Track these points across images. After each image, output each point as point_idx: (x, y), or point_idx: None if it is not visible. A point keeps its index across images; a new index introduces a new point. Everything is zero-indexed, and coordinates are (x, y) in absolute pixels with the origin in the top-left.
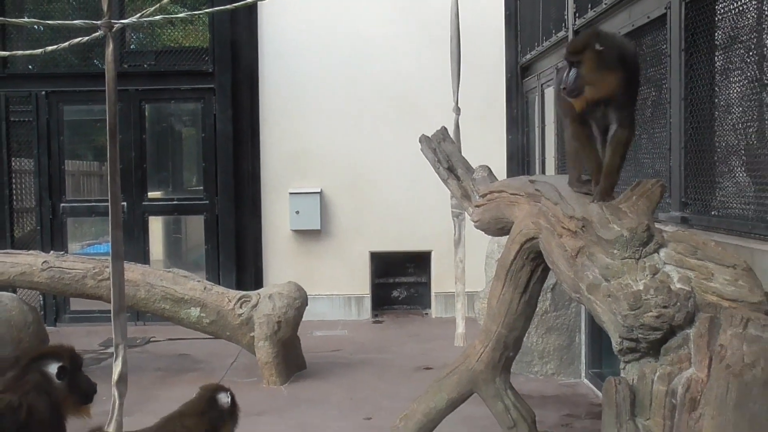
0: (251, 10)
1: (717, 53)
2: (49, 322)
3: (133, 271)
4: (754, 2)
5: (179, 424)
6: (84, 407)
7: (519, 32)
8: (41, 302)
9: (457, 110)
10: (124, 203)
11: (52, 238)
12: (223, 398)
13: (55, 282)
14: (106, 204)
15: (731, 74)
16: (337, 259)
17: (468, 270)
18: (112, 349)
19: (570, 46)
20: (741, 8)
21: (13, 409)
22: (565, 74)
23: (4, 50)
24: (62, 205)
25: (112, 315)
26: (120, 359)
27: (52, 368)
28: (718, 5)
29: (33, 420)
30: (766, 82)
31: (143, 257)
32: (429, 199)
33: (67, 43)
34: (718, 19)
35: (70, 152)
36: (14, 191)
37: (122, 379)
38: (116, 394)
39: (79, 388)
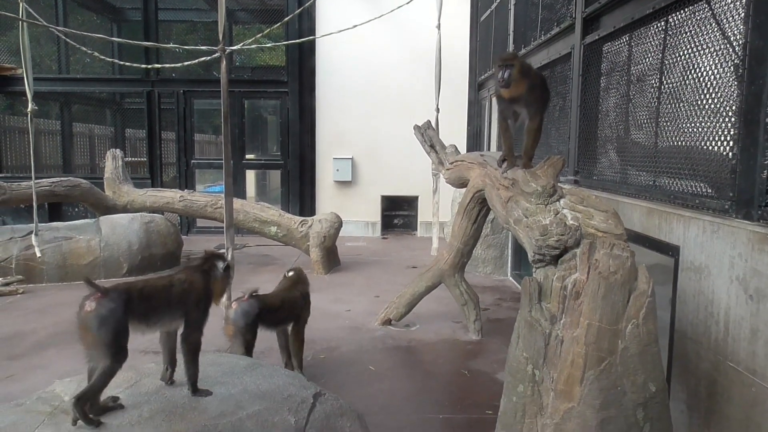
0: (312, 43)
1: (601, 78)
2: (183, 233)
3: (235, 203)
4: (624, 47)
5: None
6: (221, 295)
7: (477, 60)
8: (179, 221)
9: (437, 109)
10: (232, 161)
11: (186, 181)
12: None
13: (187, 208)
14: (220, 161)
15: (609, 91)
16: (361, 199)
17: (440, 208)
18: (222, 250)
19: (506, 55)
20: (617, 50)
21: (181, 282)
22: (501, 73)
23: (158, 63)
24: (192, 161)
25: (225, 229)
26: (229, 256)
27: (220, 264)
28: (604, 48)
29: (193, 290)
30: (630, 97)
31: (242, 195)
32: (417, 164)
33: (196, 60)
34: (603, 56)
35: (197, 128)
36: (163, 152)
37: (231, 268)
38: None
39: (225, 282)
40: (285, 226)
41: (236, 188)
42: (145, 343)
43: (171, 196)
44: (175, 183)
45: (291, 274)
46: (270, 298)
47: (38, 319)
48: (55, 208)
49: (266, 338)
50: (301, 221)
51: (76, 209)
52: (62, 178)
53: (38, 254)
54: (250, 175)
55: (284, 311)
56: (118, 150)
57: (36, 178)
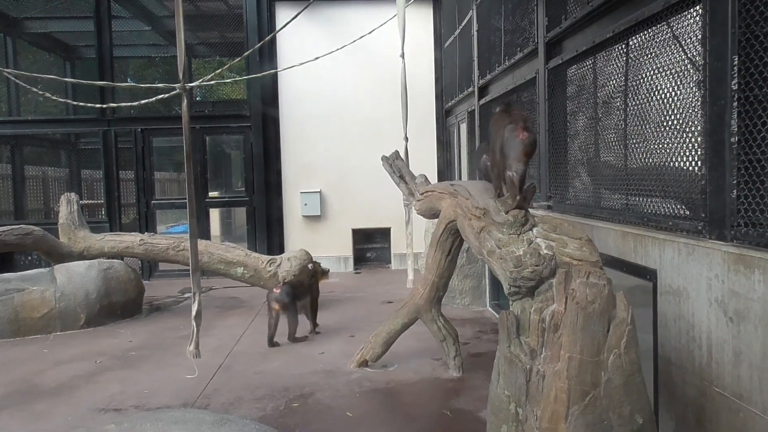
0: (274, 75)
1: (567, 101)
2: (145, 278)
3: (199, 244)
4: (589, 70)
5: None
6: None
7: (443, 87)
8: (140, 265)
9: (406, 139)
10: (194, 200)
11: (147, 223)
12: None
13: (148, 252)
14: (183, 200)
15: (576, 115)
16: (331, 233)
17: (414, 239)
18: (188, 295)
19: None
20: (582, 74)
21: (300, 283)
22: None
23: (114, 102)
24: (152, 201)
25: (190, 273)
26: (196, 302)
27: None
28: (569, 72)
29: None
30: (598, 118)
31: (206, 235)
32: (388, 194)
33: (154, 98)
34: (568, 80)
35: (157, 167)
36: (121, 193)
37: (198, 314)
38: (194, 324)
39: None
40: (252, 267)
41: (200, 228)
42: (104, 401)
43: (131, 240)
44: (135, 225)
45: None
46: (294, 282)
47: None
48: (7, 258)
49: (235, 389)
50: (269, 260)
51: (29, 258)
52: (13, 226)
53: None
54: (214, 214)
55: (303, 288)
56: (73, 194)
57: None
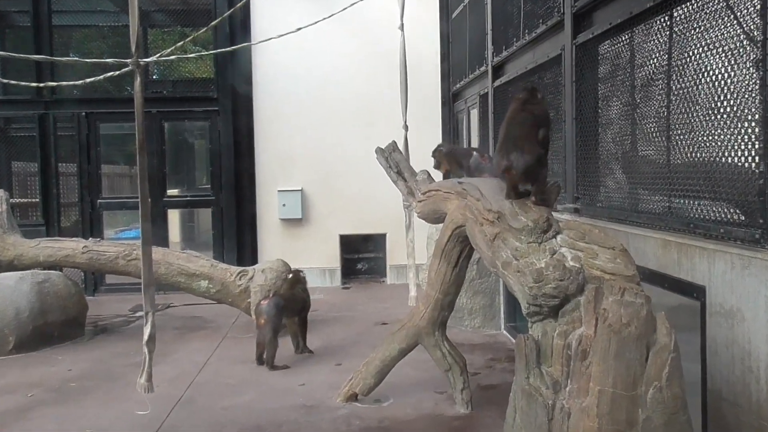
0: (246, 49)
1: (599, 84)
2: (89, 293)
3: (155, 252)
4: (625, 47)
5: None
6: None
7: (451, 67)
8: (82, 277)
9: (405, 127)
10: (150, 200)
11: (91, 227)
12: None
13: (93, 262)
14: (135, 199)
15: (609, 99)
16: (315, 241)
17: (415, 248)
18: (140, 313)
19: None
20: (616, 51)
21: (293, 297)
22: None
23: (53, 80)
24: (99, 201)
25: (142, 288)
26: (149, 323)
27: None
28: (600, 48)
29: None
30: (636, 104)
31: (163, 241)
32: (383, 193)
33: (102, 76)
34: (600, 58)
35: (105, 159)
36: (61, 190)
37: (151, 339)
38: (146, 350)
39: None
40: (218, 280)
41: (156, 233)
42: None
43: (72, 247)
44: (77, 229)
45: (290, 276)
46: (286, 295)
47: None
48: None
49: (197, 426)
50: (240, 272)
51: None
52: None
53: None
54: (174, 216)
55: (296, 303)
56: (1, 191)
57: None
